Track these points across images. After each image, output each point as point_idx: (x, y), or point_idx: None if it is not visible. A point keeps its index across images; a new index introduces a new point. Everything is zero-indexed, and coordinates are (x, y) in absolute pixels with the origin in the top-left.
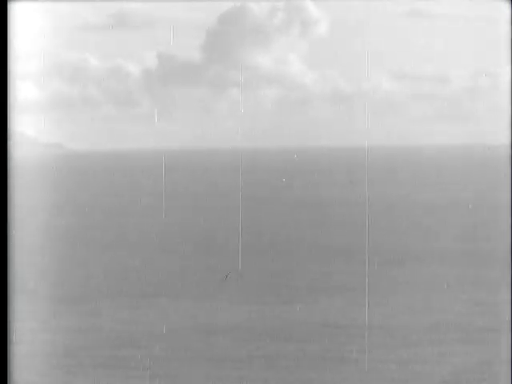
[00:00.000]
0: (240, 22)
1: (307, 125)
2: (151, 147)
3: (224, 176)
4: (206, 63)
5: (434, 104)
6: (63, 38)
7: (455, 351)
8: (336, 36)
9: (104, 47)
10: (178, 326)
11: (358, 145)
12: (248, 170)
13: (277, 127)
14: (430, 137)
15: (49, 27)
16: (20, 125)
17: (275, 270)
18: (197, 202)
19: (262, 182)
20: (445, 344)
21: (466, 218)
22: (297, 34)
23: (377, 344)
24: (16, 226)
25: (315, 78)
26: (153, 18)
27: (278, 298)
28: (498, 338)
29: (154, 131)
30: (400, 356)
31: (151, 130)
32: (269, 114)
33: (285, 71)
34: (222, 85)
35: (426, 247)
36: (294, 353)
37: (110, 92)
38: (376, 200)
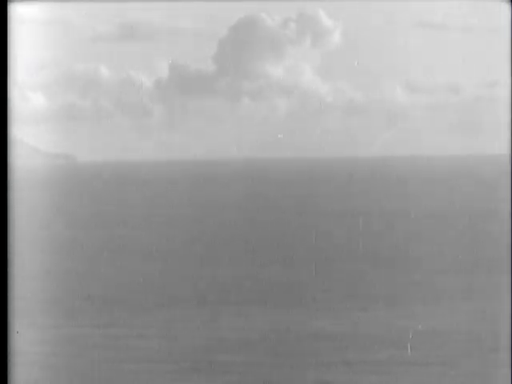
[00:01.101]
0: (252, 33)
1: (320, 135)
2: (163, 158)
3: (237, 186)
4: (218, 73)
5: (446, 115)
6: (75, 48)
7: None
8: (348, 47)
9: (115, 58)
10: (271, 332)
11: (371, 155)
12: (260, 179)
13: (289, 137)
14: (442, 148)
15: (60, 38)
16: (29, 135)
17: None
18: (220, 212)
19: (274, 192)
20: None
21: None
22: (309, 45)
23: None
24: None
25: (328, 89)
26: (164, 28)
27: (378, 304)
28: None
29: (166, 142)
30: (494, 360)
31: (163, 140)
32: (281, 124)
33: (297, 82)
34: (234, 95)
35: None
36: (399, 358)
37: (121, 103)
38: (387, 210)
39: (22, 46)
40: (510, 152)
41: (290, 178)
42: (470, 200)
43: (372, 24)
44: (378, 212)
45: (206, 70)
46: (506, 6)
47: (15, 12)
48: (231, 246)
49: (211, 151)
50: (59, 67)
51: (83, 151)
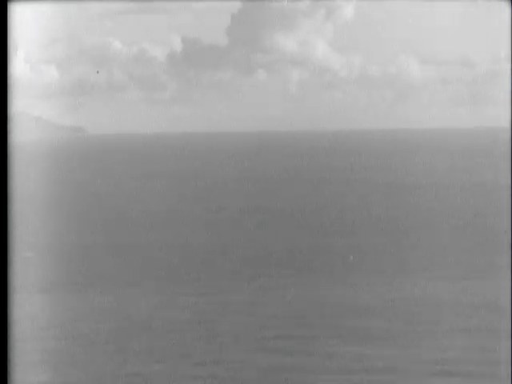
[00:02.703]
0: (265, 6)
1: (333, 108)
2: (176, 131)
3: (251, 159)
4: (232, 47)
5: (458, 88)
6: (88, 22)
7: None
8: (361, 20)
9: (129, 31)
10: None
11: (383, 128)
12: (273, 152)
13: (302, 110)
14: (454, 120)
15: (73, 12)
16: (41, 109)
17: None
18: (236, 185)
19: (288, 164)
20: None
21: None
22: (322, 18)
23: None
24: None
25: (341, 62)
26: (177, 2)
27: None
28: None
29: (179, 115)
30: None
31: (176, 113)
32: (294, 96)
33: (310, 55)
34: (247, 68)
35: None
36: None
37: (134, 76)
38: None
39: (35, 20)
40: (510, 125)
41: (303, 151)
42: (476, 171)
43: None
44: (388, 183)
45: (220, 43)
46: (505, 6)
47: (15, 12)
48: (269, 216)
49: (224, 124)
50: (72, 41)
51: (95, 124)
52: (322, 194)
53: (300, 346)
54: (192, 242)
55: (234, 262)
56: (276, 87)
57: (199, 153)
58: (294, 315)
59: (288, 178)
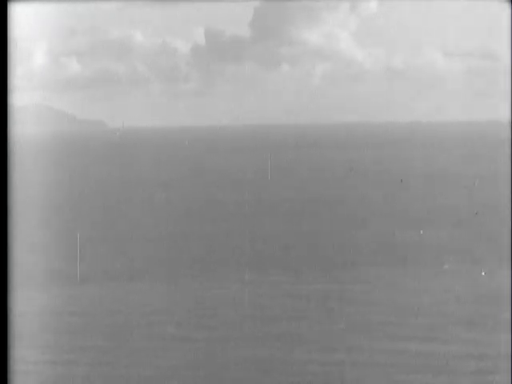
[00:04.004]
0: None
1: (357, 100)
2: (199, 123)
3: (277, 152)
4: (255, 39)
5: (483, 80)
6: (110, 15)
7: None
8: (385, 12)
9: (151, 24)
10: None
11: (408, 120)
12: (298, 144)
13: (326, 103)
14: (479, 112)
15: (95, 5)
16: (63, 102)
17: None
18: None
19: (313, 157)
20: None
21: None
22: (346, 11)
23: None
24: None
25: (365, 55)
26: None
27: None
28: None
29: (203, 107)
30: None
31: (199, 106)
32: (318, 89)
33: (334, 48)
34: (270, 61)
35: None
36: None
37: (157, 69)
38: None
39: (56, 12)
40: (510, 118)
41: (328, 143)
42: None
43: None
44: (409, 174)
45: (243, 35)
46: (506, 6)
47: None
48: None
49: (248, 116)
50: (94, 34)
51: (116, 117)
52: (376, 186)
53: (420, 332)
54: (268, 232)
55: (329, 252)
56: (300, 80)
57: (224, 146)
58: (407, 303)
59: (314, 169)
